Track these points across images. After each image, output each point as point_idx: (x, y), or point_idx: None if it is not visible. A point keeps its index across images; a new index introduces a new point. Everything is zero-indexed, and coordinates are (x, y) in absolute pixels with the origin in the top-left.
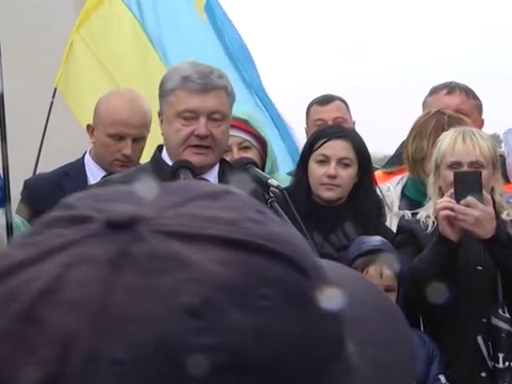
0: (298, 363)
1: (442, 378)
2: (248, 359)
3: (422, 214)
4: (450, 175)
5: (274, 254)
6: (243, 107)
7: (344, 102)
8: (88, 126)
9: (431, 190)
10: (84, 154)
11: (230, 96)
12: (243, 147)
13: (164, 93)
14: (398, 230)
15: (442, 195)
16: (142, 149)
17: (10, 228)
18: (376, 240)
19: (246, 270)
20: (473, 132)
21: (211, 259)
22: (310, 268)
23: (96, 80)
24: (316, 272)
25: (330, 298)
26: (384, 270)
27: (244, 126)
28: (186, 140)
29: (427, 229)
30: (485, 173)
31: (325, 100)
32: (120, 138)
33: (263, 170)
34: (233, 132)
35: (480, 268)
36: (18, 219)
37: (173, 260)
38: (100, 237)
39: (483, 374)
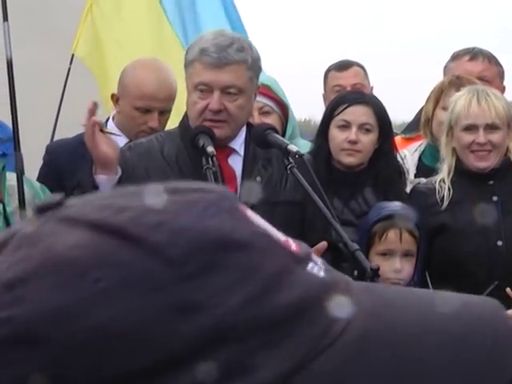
0: (109, 350)
1: None
2: (42, 335)
3: (437, 178)
4: (465, 137)
5: (130, 239)
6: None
7: (362, 67)
8: (112, 95)
9: (444, 151)
10: (107, 121)
11: (252, 69)
12: (264, 112)
13: (186, 63)
14: (409, 196)
15: (456, 157)
16: (167, 120)
17: (20, 177)
18: (395, 205)
19: (93, 251)
20: (487, 92)
21: (68, 240)
22: (182, 261)
23: (114, 47)
24: (199, 269)
25: (205, 297)
26: (404, 235)
27: (266, 91)
28: (202, 113)
29: (440, 194)
30: (500, 134)
31: (343, 66)
32: (147, 110)
33: (284, 135)
34: None
35: (500, 243)
36: (37, 186)
37: (33, 239)
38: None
39: None
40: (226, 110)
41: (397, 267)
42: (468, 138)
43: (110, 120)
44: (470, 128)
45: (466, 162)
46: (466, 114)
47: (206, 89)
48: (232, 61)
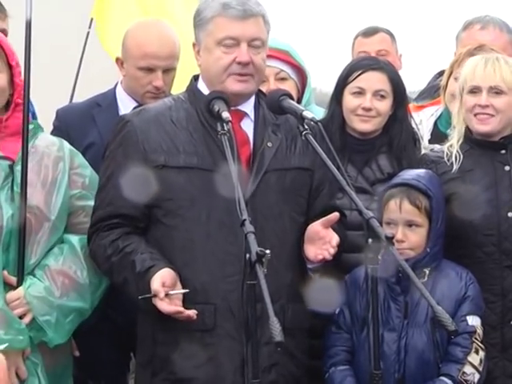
0: None
1: (470, 319)
2: None
3: (446, 143)
4: (469, 100)
5: None
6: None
7: (390, 33)
8: (117, 59)
9: (455, 118)
10: (116, 85)
11: (267, 24)
12: (280, 78)
13: (202, 22)
14: (419, 162)
15: (466, 124)
16: (173, 79)
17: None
18: (408, 174)
19: None
20: (497, 58)
21: None
22: None
23: (129, 11)
24: None
25: None
26: (404, 204)
27: (285, 56)
28: (228, 68)
29: (449, 160)
30: (504, 99)
31: (369, 32)
32: (150, 70)
33: (300, 101)
34: (271, 63)
35: (511, 214)
36: (64, 147)
37: None
38: None
39: None
40: (253, 62)
41: (397, 237)
42: (471, 100)
43: (119, 84)
44: (475, 90)
45: (470, 125)
46: (471, 77)
47: (232, 43)
48: (255, 13)
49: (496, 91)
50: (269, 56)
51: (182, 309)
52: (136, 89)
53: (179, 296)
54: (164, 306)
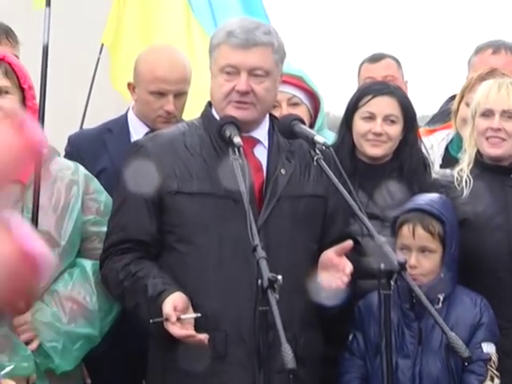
0: None
1: (486, 347)
2: None
3: (456, 167)
4: (481, 123)
5: None
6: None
7: (396, 60)
8: (129, 84)
9: (467, 142)
10: (127, 111)
11: (278, 53)
12: (292, 103)
13: (210, 48)
14: (431, 187)
15: (476, 148)
16: (184, 103)
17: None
18: (423, 199)
19: None
20: (511, 82)
21: None
22: None
23: (137, 38)
24: None
25: None
26: (417, 230)
27: (298, 82)
28: (228, 95)
29: (460, 185)
30: None
31: (375, 58)
32: (161, 94)
33: (312, 126)
34: (284, 88)
35: None
36: (79, 172)
37: None
38: None
39: None
40: (253, 91)
41: (410, 263)
42: (483, 123)
43: (130, 110)
44: (487, 114)
45: (481, 149)
46: (484, 100)
47: (232, 71)
48: (259, 42)
49: (509, 115)
50: (282, 81)
51: (193, 333)
52: (147, 113)
53: (191, 321)
54: (175, 330)
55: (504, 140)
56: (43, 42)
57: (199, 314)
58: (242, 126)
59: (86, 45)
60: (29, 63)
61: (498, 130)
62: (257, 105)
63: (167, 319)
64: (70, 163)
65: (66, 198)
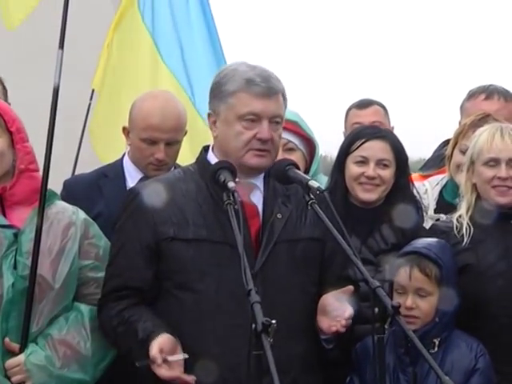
0: None
1: None
2: None
3: (455, 214)
4: (486, 172)
5: None
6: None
7: (383, 106)
8: (124, 129)
9: (464, 187)
10: (123, 156)
11: (286, 100)
12: (288, 149)
13: (223, 94)
14: (429, 233)
15: (476, 193)
16: (177, 152)
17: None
18: (420, 243)
19: None
20: (511, 128)
21: None
22: None
23: (121, 84)
24: None
25: None
26: (413, 272)
27: (293, 127)
28: (248, 143)
29: (460, 232)
30: None
31: (363, 104)
32: (153, 142)
33: (307, 171)
34: None
35: None
36: (79, 215)
37: None
38: None
39: None
40: (272, 139)
41: (406, 304)
42: (489, 172)
43: (126, 155)
44: (492, 162)
45: (487, 197)
46: (488, 148)
47: (254, 118)
48: (277, 90)
49: None
50: None
51: (179, 374)
52: (139, 160)
53: (180, 362)
54: (162, 372)
55: (511, 188)
56: (54, 84)
57: (186, 355)
58: (248, 173)
59: (78, 89)
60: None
61: (506, 179)
62: (272, 152)
63: (153, 362)
64: (70, 206)
65: (62, 240)
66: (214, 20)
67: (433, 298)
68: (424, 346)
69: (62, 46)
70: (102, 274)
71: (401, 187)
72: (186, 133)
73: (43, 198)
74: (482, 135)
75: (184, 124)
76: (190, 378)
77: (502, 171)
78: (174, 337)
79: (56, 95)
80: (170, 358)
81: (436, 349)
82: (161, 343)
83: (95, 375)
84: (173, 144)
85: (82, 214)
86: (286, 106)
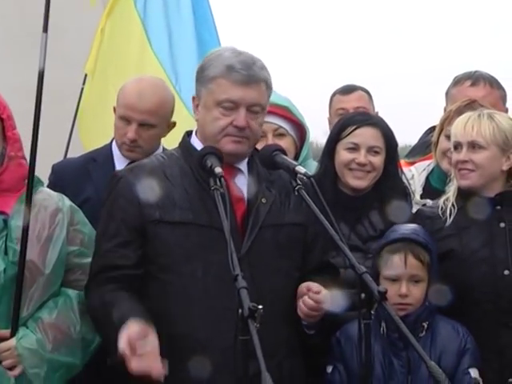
0: None
1: (473, 372)
2: None
3: (442, 197)
4: (453, 156)
5: None
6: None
7: (367, 92)
8: (114, 108)
9: (452, 172)
10: (112, 141)
11: (269, 88)
12: (278, 134)
13: (204, 79)
14: (414, 218)
15: None
16: (154, 137)
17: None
18: (406, 229)
19: None
20: (481, 114)
21: None
22: None
23: (112, 70)
24: None
25: None
26: (409, 259)
27: (284, 112)
28: (224, 129)
29: (444, 214)
30: (483, 154)
31: (347, 90)
32: (127, 120)
33: (297, 157)
34: (270, 118)
35: (507, 272)
36: (64, 201)
37: None
38: None
39: (511, 380)
40: (249, 127)
41: (402, 292)
42: (454, 156)
43: (114, 140)
44: (457, 146)
45: (456, 180)
46: (455, 133)
47: (231, 106)
48: (258, 79)
49: (475, 146)
50: (268, 111)
51: (150, 364)
52: (116, 139)
53: (153, 349)
54: (133, 365)
55: (472, 171)
56: (39, 68)
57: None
58: (229, 158)
59: (69, 74)
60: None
61: (465, 161)
62: (250, 139)
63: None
64: (55, 193)
65: (50, 227)
66: (211, 7)
67: (424, 283)
68: (415, 330)
69: (45, 29)
70: (87, 260)
71: (390, 174)
72: (174, 125)
73: (31, 184)
74: (456, 122)
75: (165, 111)
76: (161, 367)
77: (461, 154)
78: (147, 321)
79: (41, 79)
80: (140, 351)
81: (424, 332)
82: (129, 333)
83: (84, 359)
84: (147, 127)
85: (67, 201)
86: (269, 95)
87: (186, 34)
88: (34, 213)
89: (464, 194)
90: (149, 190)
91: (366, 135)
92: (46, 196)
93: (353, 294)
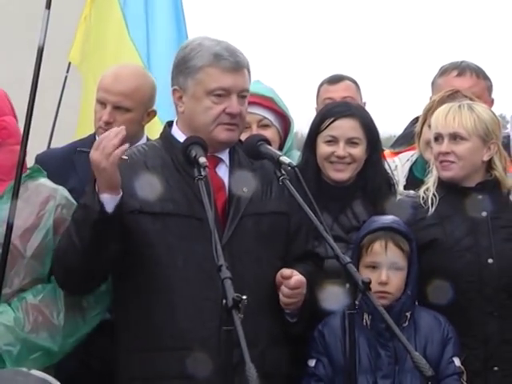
0: None
1: (457, 361)
2: None
3: (422, 187)
4: (434, 148)
5: None
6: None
7: (354, 81)
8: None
9: (432, 163)
10: (95, 130)
11: (250, 73)
12: (262, 125)
13: (190, 70)
14: (396, 208)
15: None
16: (130, 121)
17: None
18: (386, 218)
19: None
20: (461, 105)
21: None
22: None
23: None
24: None
25: None
26: (389, 247)
27: (269, 103)
28: (217, 118)
29: (426, 203)
30: (465, 145)
31: (334, 79)
32: (103, 103)
33: (281, 148)
34: (255, 109)
35: (491, 261)
36: (58, 189)
37: None
38: None
39: (496, 369)
40: (240, 113)
41: (382, 279)
42: (436, 148)
43: None
44: (437, 138)
45: (437, 171)
46: (435, 125)
47: (223, 93)
48: (244, 64)
49: (456, 138)
50: (253, 102)
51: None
52: (94, 123)
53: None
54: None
55: (453, 162)
56: (39, 44)
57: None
58: (216, 147)
59: (53, 63)
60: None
61: (447, 153)
62: (240, 125)
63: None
64: (54, 185)
65: (39, 212)
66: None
67: (403, 272)
68: (399, 321)
69: (48, 6)
70: None
71: (373, 164)
72: (155, 113)
73: (20, 168)
74: (436, 113)
75: (141, 96)
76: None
77: (443, 146)
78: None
79: (40, 55)
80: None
81: (407, 322)
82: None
83: (64, 347)
84: (122, 110)
85: (65, 193)
86: (250, 80)
87: (161, 21)
88: (25, 196)
89: (444, 185)
90: (129, 181)
91: (343, 127)
92: (41, 184)
93: (336, 284)
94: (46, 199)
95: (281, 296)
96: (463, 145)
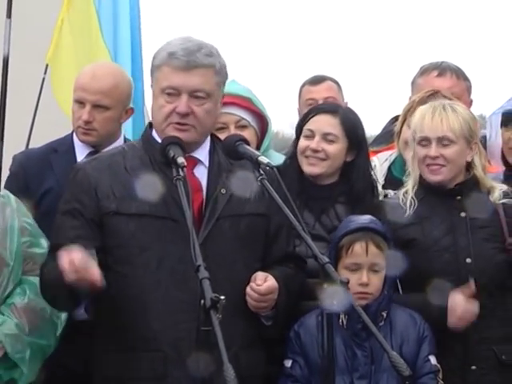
0: None
1: (433, 359)
2: None
3: (401, 190)
4: (420, 151)
5: None
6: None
7: (336, 82)
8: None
9: (410, 165)
10: (73, 131)
11: (219, 75)
12: (240, 126)
13: (152, 68)
14: (376, 208)
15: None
16: (109, 120)
17: None
18: (364, 218)
19: None
20: (445, 106)
21: None
22: None
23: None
24: None
25: None
26: (370, 248)
27: (246, 103)
28: (169, 117)
29: (405, 206)
30: (453, 149)
31: (316, 80)
32: (81, 103)
33: (258, 148)
34: (232, 110)
35: (469, 260)
36: (8, 195)
37: None
38: None
39: (473, 368)
40: (194, 113)
41: (363, 280)
42: (422, 151)
43: None
44: (424, 141)
45: (423, 175)
46: (420, 128)
47: (173, 92)
48: (200, 64)
49: (444, 141)
50: (230, 103)
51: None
52: (73, 123)
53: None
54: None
55: (443, 166)
56: (4, 54)
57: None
58: (185, 146)
59: (30, 64)
60: None
61: (436, 157)
62: (197, 126)
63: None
64: None
65: (5, 219)
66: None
67: (382, 272)
68: (375, 320)
69: (9, 15)
70: (36, 250)
71: (356, 165)
72: (132, 111)
73: None
74: (417, 114)
75: (119, 94)
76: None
77: (432, 150)
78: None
79: (6, 65)
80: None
81: (383, 322)
82: (70, 253)
83: (56, 342)
84: (101, 109)
85: (11, 195)
86: (219, 82)
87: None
88: None
89: (424, 187)
90: (106, 182)
91: (321, 122)
92: None
93: (313, 284)
94: (2, 206)
95: (249, 300)
96: (451, 148)
